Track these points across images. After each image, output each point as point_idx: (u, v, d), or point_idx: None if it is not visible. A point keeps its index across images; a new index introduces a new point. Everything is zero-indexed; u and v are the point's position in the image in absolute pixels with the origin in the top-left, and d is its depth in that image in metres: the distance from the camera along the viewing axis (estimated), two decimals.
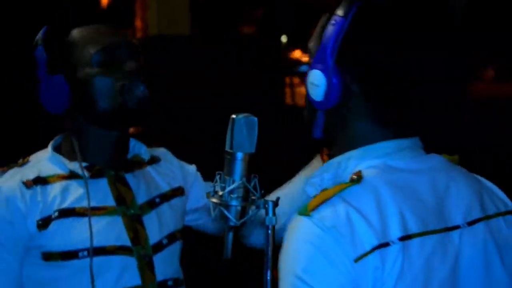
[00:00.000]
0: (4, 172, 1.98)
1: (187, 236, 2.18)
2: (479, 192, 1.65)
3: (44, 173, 1.97)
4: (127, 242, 1.98)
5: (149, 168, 2.12)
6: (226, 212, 1.69)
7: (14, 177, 1.96)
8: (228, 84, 7.53)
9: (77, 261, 1.93)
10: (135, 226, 2.00)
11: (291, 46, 10.30)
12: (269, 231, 1.69)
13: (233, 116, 1.71)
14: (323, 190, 1.56)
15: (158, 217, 2.06)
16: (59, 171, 1.98)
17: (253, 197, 1.70)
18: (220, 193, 1.69)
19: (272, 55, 8.47)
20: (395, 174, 1.57)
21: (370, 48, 1.56)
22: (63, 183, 1.97)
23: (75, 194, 1.96)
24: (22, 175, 1.96)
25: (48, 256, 1.93)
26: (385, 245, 1.49)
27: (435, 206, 1.57)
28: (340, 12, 1.56)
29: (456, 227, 1.57)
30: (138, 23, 8.49)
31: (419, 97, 1.58)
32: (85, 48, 1.95)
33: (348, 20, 1.55)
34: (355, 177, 1.54)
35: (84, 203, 1.95)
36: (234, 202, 1.69)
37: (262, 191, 1.71)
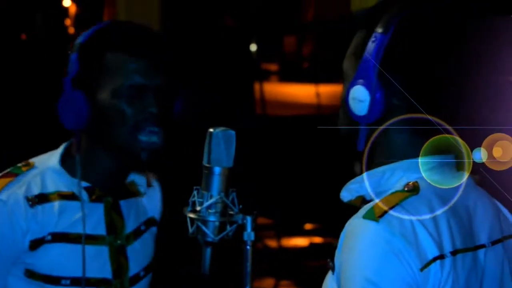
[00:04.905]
0: (10, 180, 1.92)
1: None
2: (497, 213, 1.71)
3: (46, 188, 1.93)
4: (109, 275, 1.96)
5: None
6: (204, 228, 1.66)
7: (21, 188, 1.91)
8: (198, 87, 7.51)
9: (57, 287, 1.91)
10: (119, 258, 1.98)
11: (261, 54, 10.32)
12: (248, 247, 1.67)
13: (211, 129, 1.68)
14: (385, 196, 1.57)
15: (141, 247, 2.04)
16: (62, 187, 1.94)
17: (231, 212, 1.68)
18: (198, 208, 1.67)
19: (242, 63, 8.47)
20: (440, 189, 1.61)
21: (410, 62, 1.61)
22: (63, 203, 1.93)
23: (72, 217, 1.93)
24: (27, 188, 1.91)
25: (31, 275, 1.91)
26: (442, 257, 1.53)
27: (467, 224, 1.62)
28: (380, 29, 1.60)
29: (482, 246, 1.62)
30: (105, 18, 8.41)
31: (458, 106, 1.62)
32: (116, 77, 1.88)
33: (387, 36, 1.60)
34: (411, 187, 1.58)
35: (79, 229, 1.92)
36: (212, 218, 1.66)
37: (241, 206, 1.69)
